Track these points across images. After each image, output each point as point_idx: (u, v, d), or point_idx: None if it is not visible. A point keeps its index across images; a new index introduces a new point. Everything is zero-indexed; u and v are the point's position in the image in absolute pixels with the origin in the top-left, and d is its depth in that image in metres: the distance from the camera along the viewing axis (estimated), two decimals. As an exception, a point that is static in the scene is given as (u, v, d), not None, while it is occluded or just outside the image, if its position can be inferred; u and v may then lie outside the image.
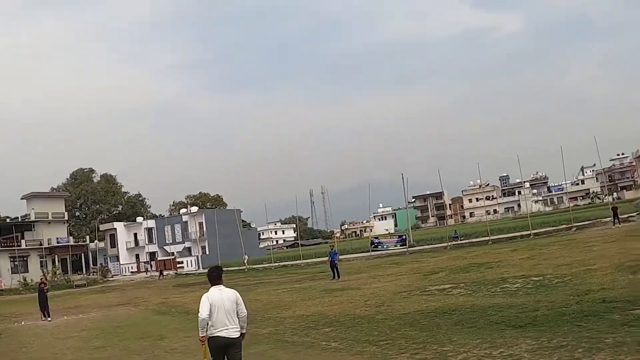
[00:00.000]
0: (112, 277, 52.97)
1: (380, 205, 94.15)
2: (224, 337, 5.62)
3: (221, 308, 5.64)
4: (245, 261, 43.81)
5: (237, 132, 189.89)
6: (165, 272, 47.93)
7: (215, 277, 5.91)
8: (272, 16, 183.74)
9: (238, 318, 5.75)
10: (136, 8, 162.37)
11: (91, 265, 58.84)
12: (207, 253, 56.46)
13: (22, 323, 18.88)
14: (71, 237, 59.91)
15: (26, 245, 52.38)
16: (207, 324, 5.66)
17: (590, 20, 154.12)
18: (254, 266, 44.21)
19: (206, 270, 7.32)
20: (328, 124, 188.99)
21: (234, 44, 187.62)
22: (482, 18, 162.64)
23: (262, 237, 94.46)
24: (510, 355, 7.14)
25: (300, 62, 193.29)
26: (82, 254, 57.77)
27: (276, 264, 42.40)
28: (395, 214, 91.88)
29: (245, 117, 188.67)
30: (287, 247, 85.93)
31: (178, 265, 54.16)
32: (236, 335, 5.71)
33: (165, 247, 62.95)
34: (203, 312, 5.62)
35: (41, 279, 21.95)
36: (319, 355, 8.46)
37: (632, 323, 7.64)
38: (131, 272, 58.33)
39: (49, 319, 18.35)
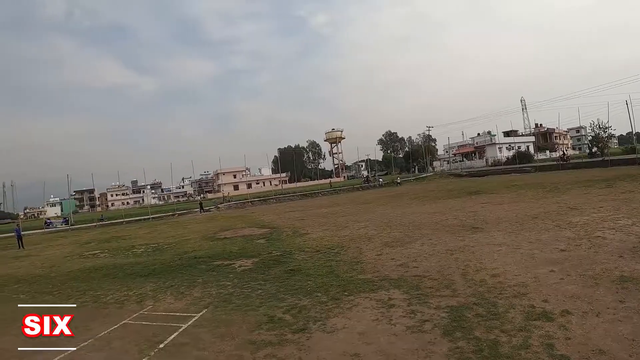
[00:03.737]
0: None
1: (52, 196, 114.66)
2: None
3: None
4: None
5: None
6: None
7: None
8: None
9: None
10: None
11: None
12: None
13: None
14: None
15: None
16: None
17: (195, 92, 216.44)
18: None
19: None
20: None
21: None
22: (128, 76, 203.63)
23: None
24: (140, 294, 9.85)
25: None
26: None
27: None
28: (61, 202, 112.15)
29: None
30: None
31: None
32: None
33: None
34: None
35: None
36: (11, 304, 9.97)
37: (213, 269, 11.75)
38: None
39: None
